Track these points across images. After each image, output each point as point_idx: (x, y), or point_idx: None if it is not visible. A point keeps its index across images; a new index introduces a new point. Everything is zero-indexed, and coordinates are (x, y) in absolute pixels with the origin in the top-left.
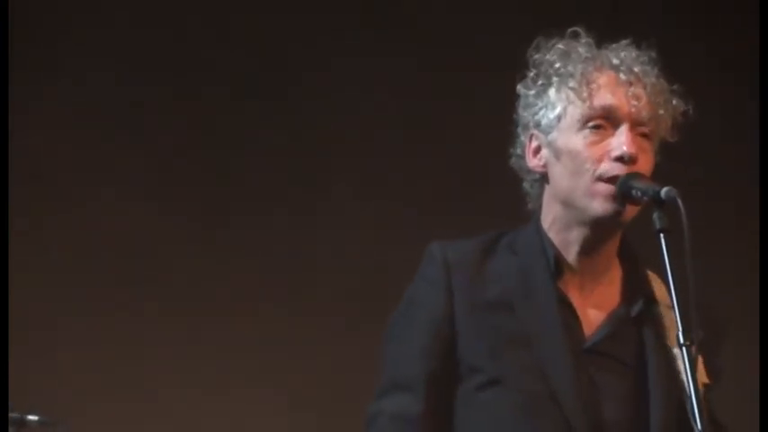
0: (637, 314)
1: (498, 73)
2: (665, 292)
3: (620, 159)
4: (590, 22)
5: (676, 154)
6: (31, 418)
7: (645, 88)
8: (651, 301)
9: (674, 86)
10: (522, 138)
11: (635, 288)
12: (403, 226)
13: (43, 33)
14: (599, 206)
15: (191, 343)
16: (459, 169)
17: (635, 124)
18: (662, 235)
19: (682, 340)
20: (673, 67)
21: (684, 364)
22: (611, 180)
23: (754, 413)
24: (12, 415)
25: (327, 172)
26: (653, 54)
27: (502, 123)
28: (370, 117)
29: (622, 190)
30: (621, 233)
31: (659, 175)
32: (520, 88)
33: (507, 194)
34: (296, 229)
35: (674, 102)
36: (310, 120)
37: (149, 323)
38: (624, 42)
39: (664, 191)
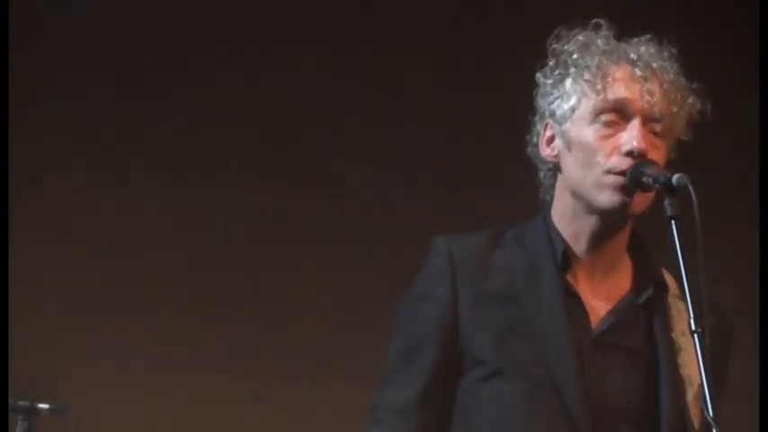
0: (645, 301)
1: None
2: (674, 283)
3: (629, 154)
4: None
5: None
6: (42, 406)
7: (661, 85)
8: (660, 289)
9: (693, 85)
10: (539, 126)
11: (644, 277)
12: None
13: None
14: (607, 198)
15: (196, 336)
16: (456, 168)
17: (647, 120)
18: (673, 222)
19: (693, 327)
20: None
21: (696, 352)
22: (620, 174)
23: (754, 413)
24: (22, 403)
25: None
26: (673, 50)
27: (503, 120)
28: (368, 117)
29: (633, 176)
30: (632, 226)
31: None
32: (539, 77)
33: (507, 194)
34: (297, 231)
35: (691, 100)
36: (308, 121)
37: (156, 316)
38: (645, 37)
39: (675, 177)
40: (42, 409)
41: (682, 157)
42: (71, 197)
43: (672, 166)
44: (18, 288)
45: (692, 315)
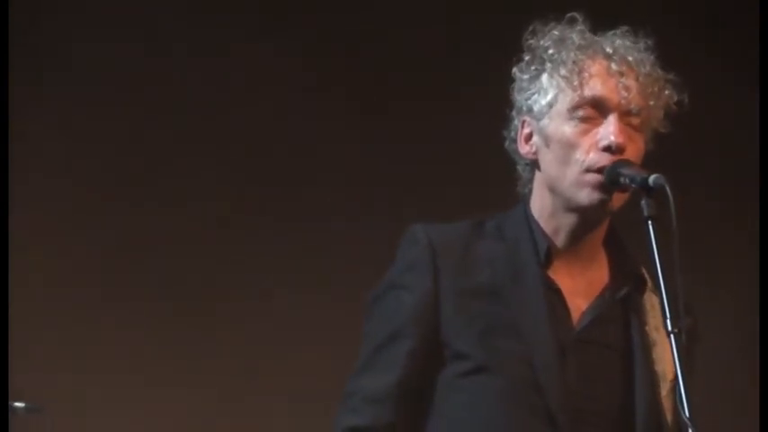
0: (623, 297)
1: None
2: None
3: (607, 149)
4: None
5: (677, 153)
6: (18, 404)
7: (637, 79)
8: (638, 283)
9: (670, 75)
10: (516, 122)
11: (622, 271)
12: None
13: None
14: (586, 196)
15: (177, 336)
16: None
17: (624, 114)
18: (650, 222)
19: (670, 327)
20: (672, 66)
21: (672, 352)
22: (599, 171)
23: (754, 412)
24: None
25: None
26: (649, 42)
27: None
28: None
29: (610, 177)
30: (608, 220)
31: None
32: (515, 71)
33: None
34: (295, 229)
35: (667, 92)
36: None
37: (137, 316)
38: (620, 30)
39: (652, 178)
40: (19, 408)
41: (683, 156)
42: (68, 198)
43: (672, 167)
44: None
45: (668, 315)
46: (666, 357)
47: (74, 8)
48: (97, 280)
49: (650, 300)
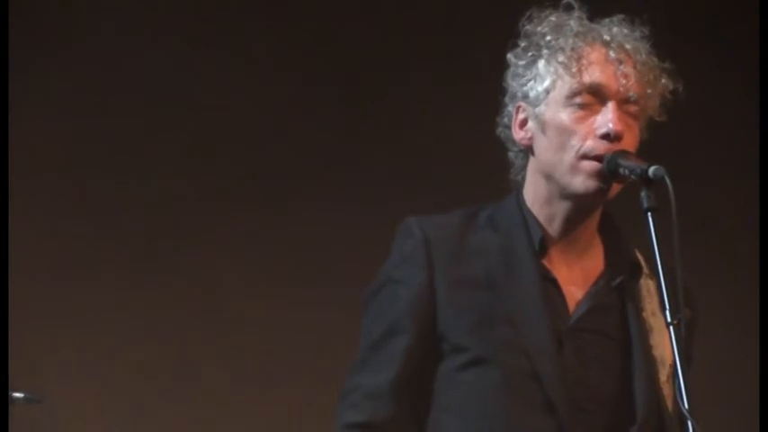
0: (619, 284)
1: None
2: (645, 262)
3: (605, 137)
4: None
5: (677, 152)
6: (17, 395)
7: (634, 66)
8: (634, 270)
9: (665, 63)
10: (510, 108)
11: (617, 259)
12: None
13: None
14: (581, 183)
15: (177, 329)
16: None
17: (622, 102)
18: (650, 214)
19: (669, 319)
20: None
21: (672, 343)
22: (596, 158)
23: (754, 412)
24: None
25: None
26: (645, 30)
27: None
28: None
29: (610, 167)
30: (602, 206)
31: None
32: (510, 57)
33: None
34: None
35: (663, 80)
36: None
37: (136, 310)
38: (617, 17)
39: (652, 169)
40: (17, 398)
41: (683, 155)
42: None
43: (672, 166)
44: None
45: (667, 307)
46: (664, 343)
47: (74, 8)
48: (97, 274)
49: (647, 285)
